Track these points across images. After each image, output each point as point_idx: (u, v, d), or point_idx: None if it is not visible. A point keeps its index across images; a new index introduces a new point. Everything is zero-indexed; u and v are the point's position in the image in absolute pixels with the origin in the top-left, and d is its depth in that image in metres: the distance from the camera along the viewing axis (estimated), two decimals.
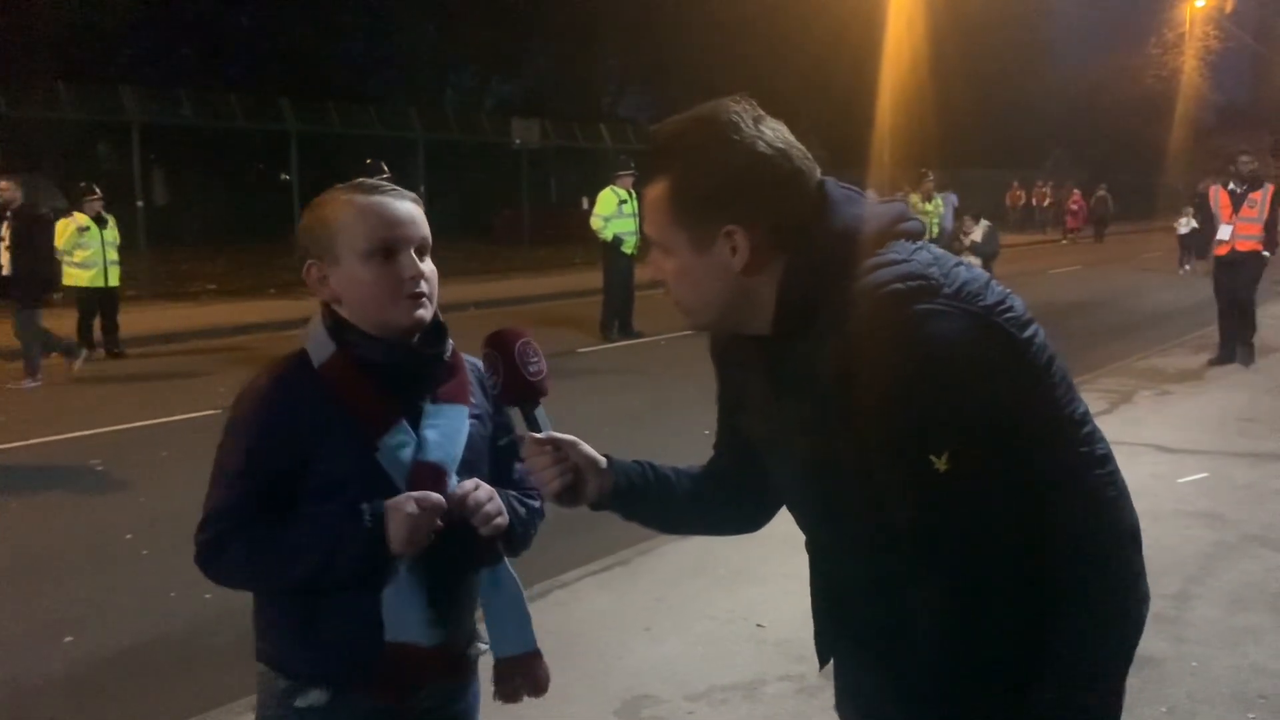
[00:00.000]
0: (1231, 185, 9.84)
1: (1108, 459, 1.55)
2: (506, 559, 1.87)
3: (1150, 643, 3.93)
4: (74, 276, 11.25)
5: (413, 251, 1.77)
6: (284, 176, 20.94)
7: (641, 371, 10.13)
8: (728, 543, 4.95)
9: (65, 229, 11.18)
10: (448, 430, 1.80)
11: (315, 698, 1.78)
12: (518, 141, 22.87)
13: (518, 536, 1.89)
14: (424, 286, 1.77)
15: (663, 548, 4.99)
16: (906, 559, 1.52)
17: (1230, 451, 6.77)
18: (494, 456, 1.93)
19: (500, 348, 1.68)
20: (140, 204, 16.40)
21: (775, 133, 1.50)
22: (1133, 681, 3.74)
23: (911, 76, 28.25)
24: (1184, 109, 41.09)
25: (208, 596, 4.73)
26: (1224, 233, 9.84)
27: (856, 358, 1.40)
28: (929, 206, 18.77)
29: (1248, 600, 4.35)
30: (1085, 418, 1.54)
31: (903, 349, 1.38)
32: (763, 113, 1.51)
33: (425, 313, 1.78)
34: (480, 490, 1.78)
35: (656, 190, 1.52)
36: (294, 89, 20.97)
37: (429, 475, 1.76)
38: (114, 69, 21.42)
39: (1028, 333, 1.47)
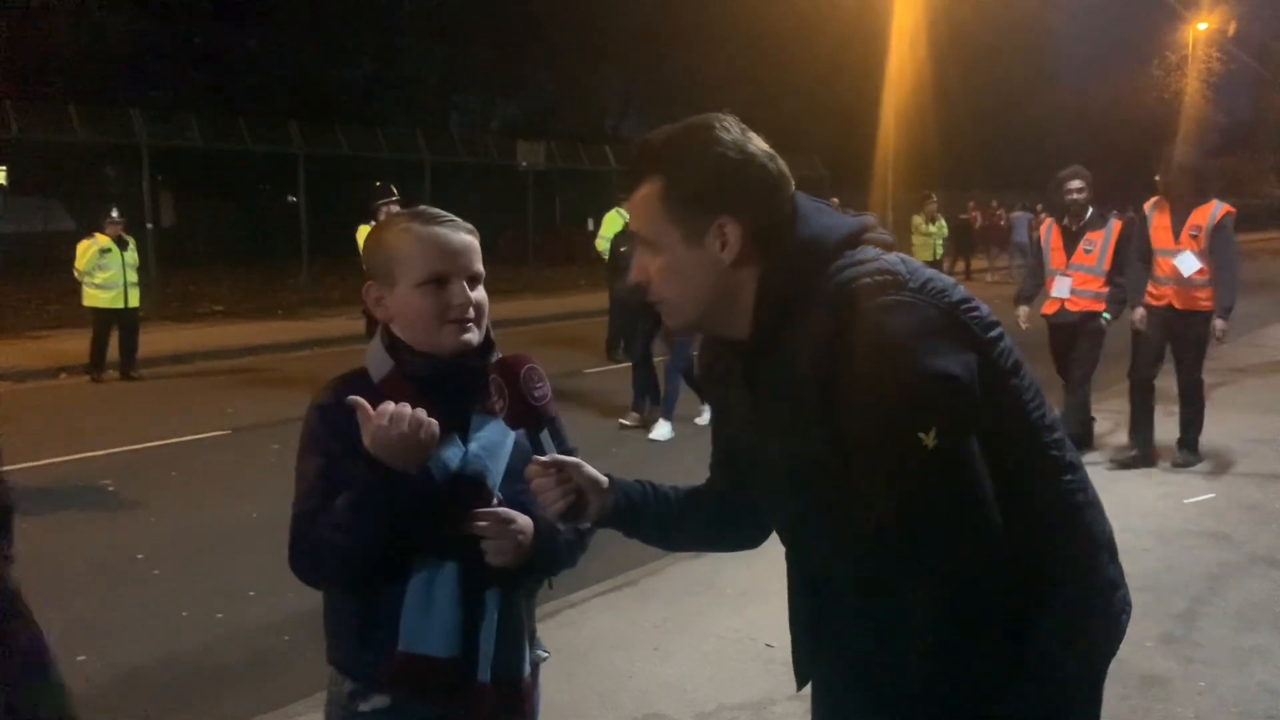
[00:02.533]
0: (1066, 220, 7.12)
1: (1076, 466, 1.60)
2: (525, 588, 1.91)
3: (1158, 662, 3.97)
4: (94, 297, 11.34)
5: (464, 281, 1.86)
6: (291, 198, 21.06)
7: None
8: (735, 562, 4.97)
9: (86, 250, 11.29)
10: (488, 443, 1.86)
11: (377, 702, 1.84)
12: (523, 164, 22.97)
13: (547, 560, 1.91)
14: (471, 313, 1.85)
15: (670, 568, 5.01)
16: (890, 561, 1.52)
17: (1237, 472, 6.77)
18: None
19: (505, 374, 1.75)
20: (149, 226, 16.50)
21: (759, 140, 1.59)
22: (1141, 701, 3.75)
23: (914, 98, 28.35)
24: (1187, 131, 41.12)
25: (219, 616, 4.77)
26: (1059, 287, 7.15)
27: (831, 350, 1.45)
28: (932, 228, 18.87)
29: (1255, 620, 4.36)
30: (1055, 425, 1.59)
31: (873, 336, 1.43)
32: (747, 127, 1.60)
33: (472, 337, 1.87)
34: (511, 523, 1.81)
35: (648, 188, 1.58)
36: (301, 112, 21.12)
37: (469, 487, 1.83)
38: (124, 93, 21.57)
39: (993, 333, 1.52)
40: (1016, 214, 25.41)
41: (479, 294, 1.88)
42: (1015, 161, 41.03)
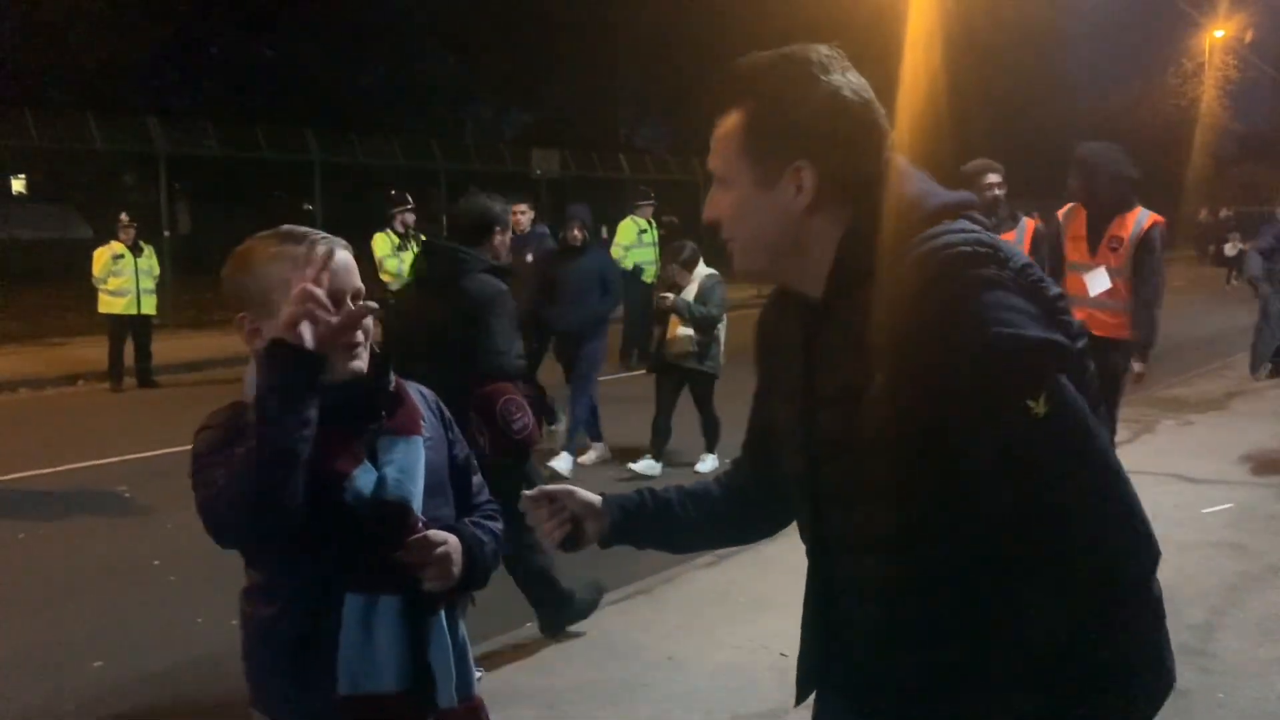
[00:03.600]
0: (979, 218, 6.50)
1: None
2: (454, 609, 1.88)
3: (1177, 674, 3.92)
4: (108, 304, 11.43)
5: (349, 301, 1.74)
6: (306, 206, 21.14)
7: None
8: (749, 570, 4.97)
9: (101, 257, 11.38)
10: (405, 465, 1.80)
11: None
12: (538, 171, 23.03)
13: (478, 574, 1.90)
14: (359, 337, 1.76)
15: (684, 576, 5.00)
16: (917, 560, 1.42)
17: (1255, 482, 6.73)
18: (454, 477, 1.95)
19: (482, 411, 1.71)
20: (167, 233, 16.61)
21: (861, 83, 1.48)
22: (1160, 713, 3.71)
23: (928, 105, 28.24)
24: (1203, 139, 40.98)
25: (234, 623, 4.77)
26: None
27: (928, 317, 1.32)
28: None
29: (1274, 631, 4.32)
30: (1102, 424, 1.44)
31: (975, 303, 1.31)
32: (850, 64, 1.50)
33: (360, 364, 1.77)
34: (440, 546, 1.78)
35: (729, 121, 1.49)
36: (317, 120, 21.22)
37: (393, 512, 1.76)
38: (141, 101, 21.73)
39: (1081, 343, 1.41)
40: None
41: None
42: (1031, 168, 40.90)
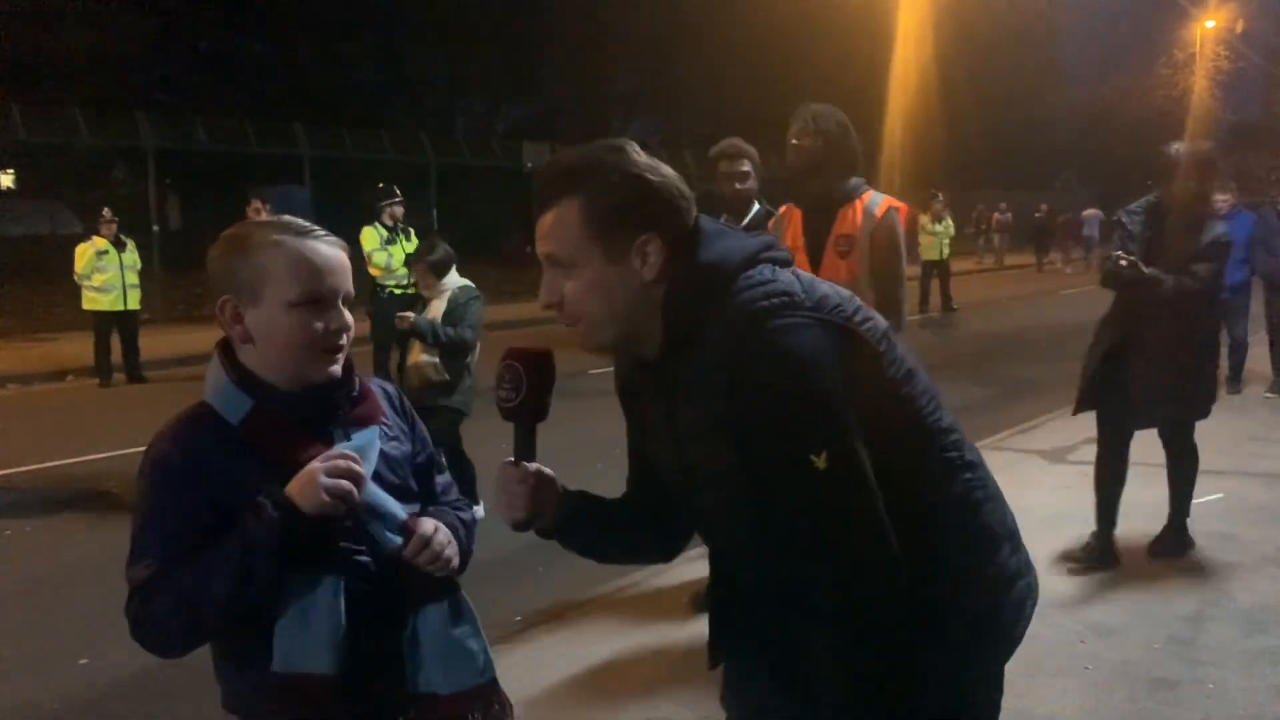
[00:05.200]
0: (725, 216, 4.57)
1: (976, 465, 1.66)
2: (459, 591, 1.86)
3: (1166, 665, 3.93)
4: (93, 300, 11.36)
5: (339, 303, 1.74)
6: None
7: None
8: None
9: (84, 253, 11.31)
10: (357, 446, 1.76)
11: None
12: (529, 165, 22.99)
13: (464, 560, 1.89)
14: (344, 340, 1.75)
15: (671, 571, 4.98)
16: (797, 562, 1.55)
17: (1244, 472, 6.72)
18: (416, 473, 1.92)
19: (527, 365, 1.69)
20: (156, 229, 16.53)
21: (666, 167, 1.63)
22: (1149, 704, 3.72)
23: (920, 97, 28.27)
24: (1195, 129, 40.97)
25: None
26: None
27: (731, 371, 1.49)
28: (939, 227, 18.83)
29: (1264, 622, 4.31)
30: (952, 426, 1.65)
31: (768, 359, 1.48)
32: (649, 152, 1.65)
33: (338, 368, 1.76)
34: (439, 533, 1.78)
35: (565, 208, 1.58)
36: (307, 115, 21.15)
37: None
38: (130, 95, 21.61)
39: (884, 345, 1.58)
40: (1088, 212, 30.28)
41: (349, 316, 1.77)
42: (1022, 160, 40.96)
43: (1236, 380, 9.53)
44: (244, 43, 27.49)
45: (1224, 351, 7.83)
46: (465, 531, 1.92)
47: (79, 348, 12.13)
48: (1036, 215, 30.23)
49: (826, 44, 30.54)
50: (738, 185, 4.68)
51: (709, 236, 1.62)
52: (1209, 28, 40.48)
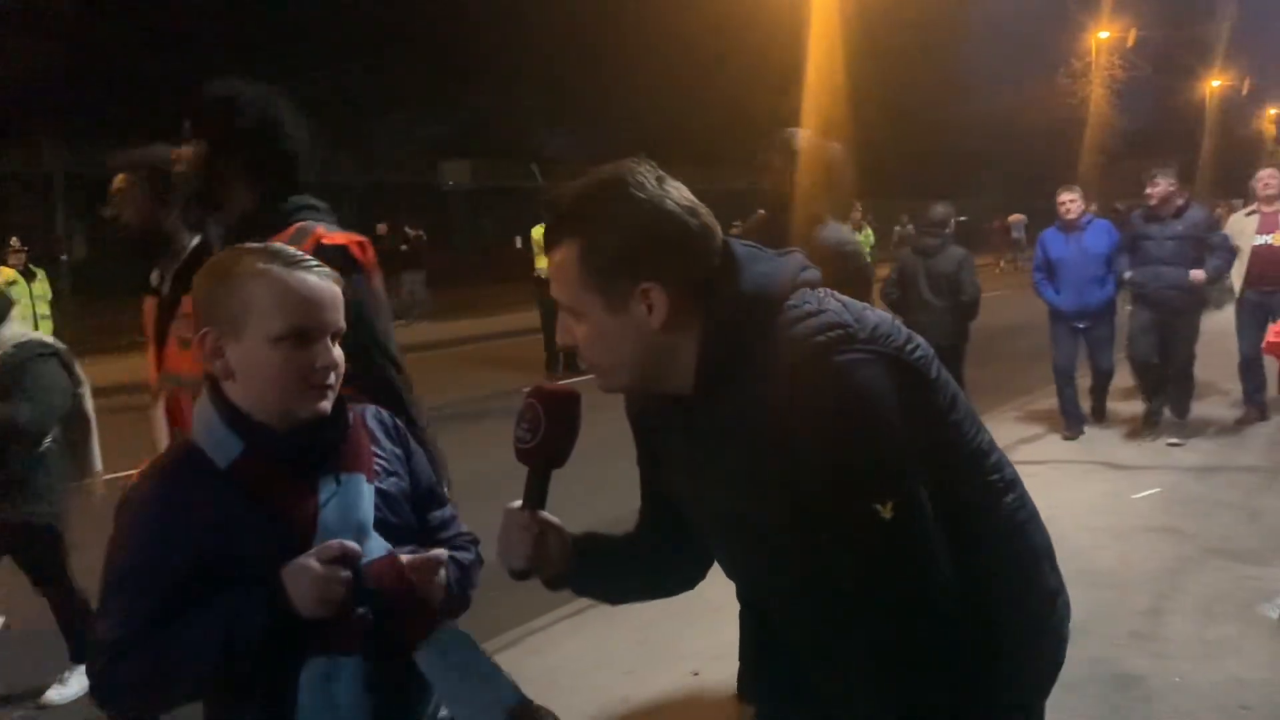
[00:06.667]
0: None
1: (1016, 484, 1.62)
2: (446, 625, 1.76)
3: (1132, 660, 3.99)
4: None
5: (328, 338, 1.65)
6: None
7: (592, 406, 10.05)
8: (708, 580, 4.91)
9: None
10: (342, 504, 1.66)
11: None
12: (450, 182, 22.80)
13: (455, 600, 1.79)
14: (332, 378, 1.66)
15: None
16: (846, 604, 1.48)
17: (1177, 466, 6.92)
18: (415, 510, 1.81)
19: (549, 407, 1.59)
20: (65, 257, 15.98)
21: (679, 191, 1.50)
22: (1121, 700, 3.76)
23: (833, 108, 28.76)
24: (1093, 136, 42.46)
25: None
26: None
27: (789, 412, 1.41)
28: (860, 236, 19.13)
29: (1219, 613, 4.42)
30: (991, 447, 1.60)
31: (835, 400, 1.40)
32: (664, 173, 1.52)
33: (327, 405, 1.66)
34: (440, 567, 1.68)
35: (564, 254, 1.49)
36: None
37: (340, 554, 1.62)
38: (36, 121, 20.88)
39: (934, 371, 1.52)
40: (1014, 218, 32.03)
41: (339, 352, 1.67)
42: (931, 168, 41.87)
43: (1101, 411, 8.26)
44: (155, 67, 26.74)
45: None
46: (461, 574, 1.81)
47: None
48: (962, 219, 31.40)
49: (741, 55, 30.90)
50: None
51: (744, 263, 1.52)
52: (1103, 38, 41.96)
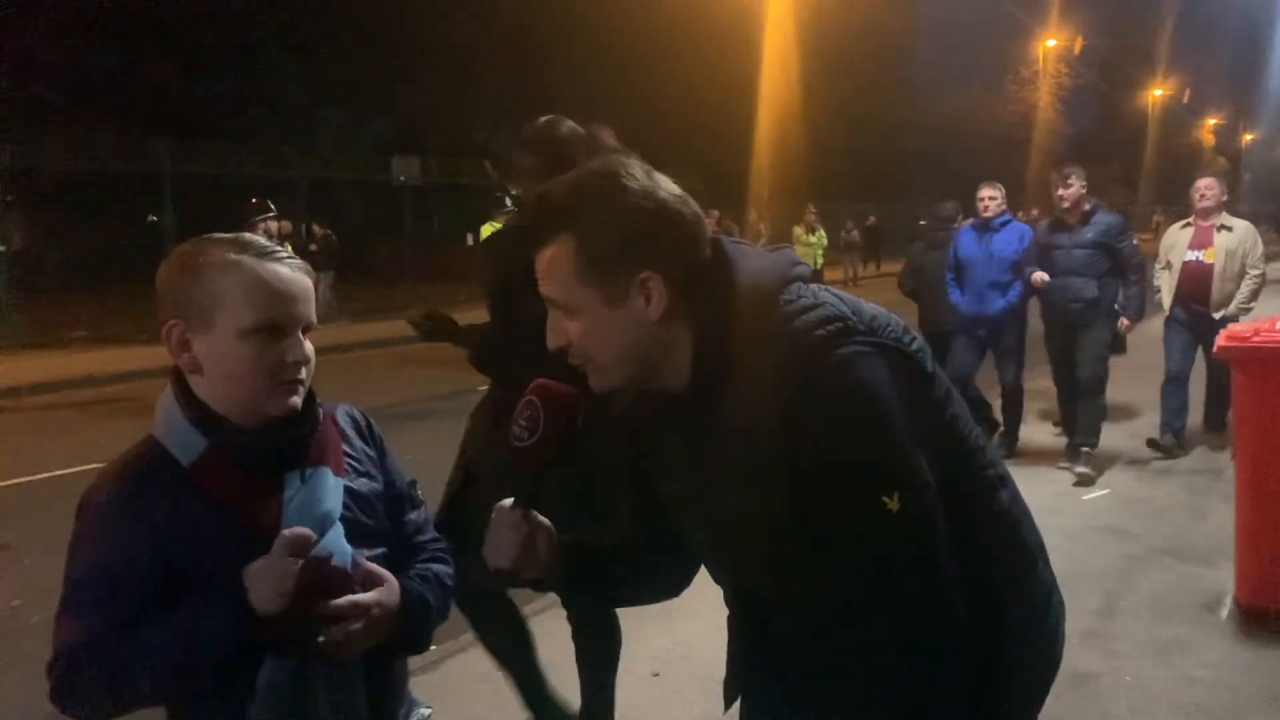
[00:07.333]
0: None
1: (1008, 480, 1.62)
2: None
3: (1084, 659, 4.02)
4: None
5: (299, 332, 1.61)
6: (151, 218, 20.13)
7: None
8: None
9: None
10: (306, 499, 1.60)
11: None
12: (400, 178, 22.56)
13: (415, 640, 1.72)
14: (303, 374, 1.61)
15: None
16: (854, 597, 1.46)
17: (1124, 468, 7.01)
18: (387, 512, 1.75)
19: (549, 408, 1.52)
20: (1, 249, 15.56)
21: (667, 182, 1.50)
22: (1075, 699, 3.78)
23: (786, 112, 29.01)
24: (1040, 141, 43.23)
25: None
26: None
27: (793, 408, 1.38)
28: (812, 239, 19.29)
29: (1168, 612, 4.49)
30: (982, 441, 1.59)
31: (840, 395, 1.38)
32: (649, 168, 1.51)
33: (298, 400, 1.62)
34: (372, 610, 1.58)
35: (557, 250, 1.46)
36: (164, 128, 20.24)
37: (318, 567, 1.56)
38: None
39: (930, 364, 1.52)
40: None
41: (310, 346, 1.63)
42: (882, 172, 42.32)
43: (1014, 439, 7.47)
44: (95, 56, 26.16)
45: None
46: (439, 592, 1.74)
47: None
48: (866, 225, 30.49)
49: (694, 57, 30.97)
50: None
51: (733, 258, 1.50)
52: (1050, 46, 42.74)
